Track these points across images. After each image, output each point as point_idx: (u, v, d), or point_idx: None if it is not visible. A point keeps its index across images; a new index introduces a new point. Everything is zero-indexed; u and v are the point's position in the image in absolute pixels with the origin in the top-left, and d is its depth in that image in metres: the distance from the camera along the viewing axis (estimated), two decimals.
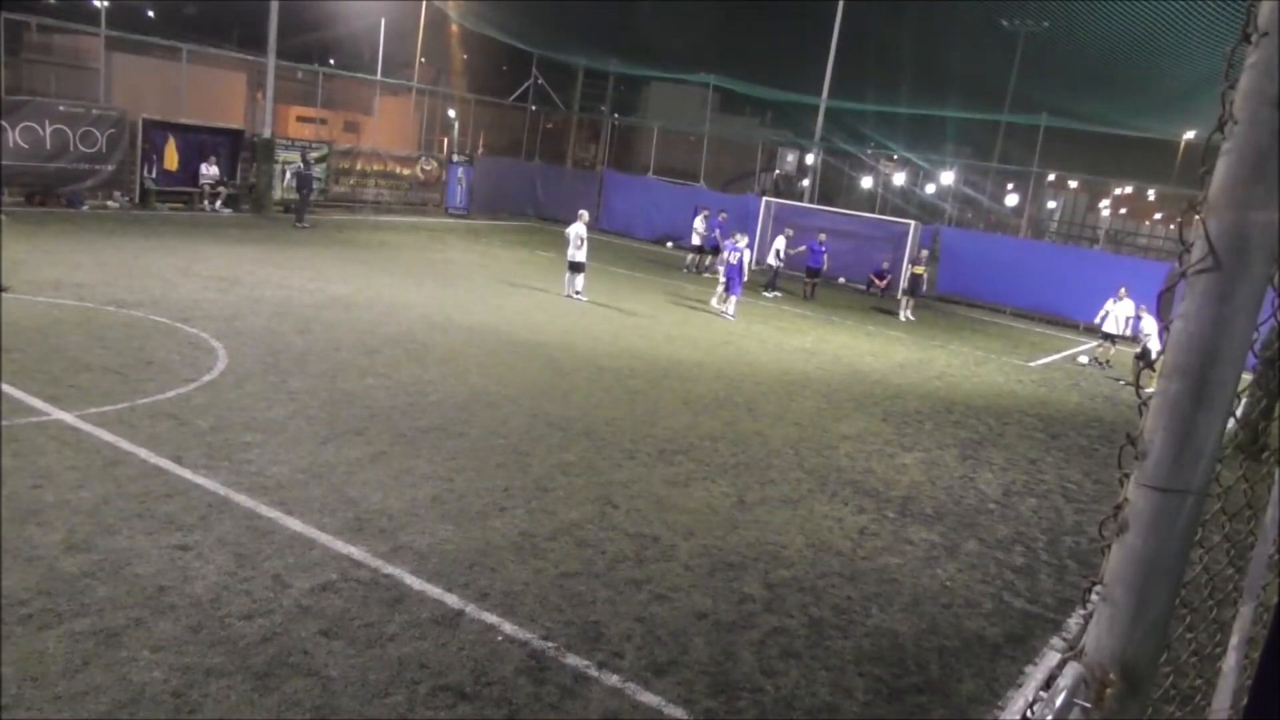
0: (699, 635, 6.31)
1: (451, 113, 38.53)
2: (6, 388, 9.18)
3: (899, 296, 23.57)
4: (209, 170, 25.09)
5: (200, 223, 23.11)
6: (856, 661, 6.29)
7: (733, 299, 19.17)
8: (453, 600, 6.27)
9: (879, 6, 28.72)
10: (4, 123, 21.06)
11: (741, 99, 39.48)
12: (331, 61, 34.71)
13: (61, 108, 22.65)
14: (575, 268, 18.88)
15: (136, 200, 23.69)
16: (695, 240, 26.78)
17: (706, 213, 26.87)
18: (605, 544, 7.56)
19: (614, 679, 5.63)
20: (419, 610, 6.09)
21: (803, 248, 24.07)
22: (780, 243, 24.26)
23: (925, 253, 24.22)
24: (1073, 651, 1.51)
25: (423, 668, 5.45)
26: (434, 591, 6.36)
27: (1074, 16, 26.52)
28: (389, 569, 6.59)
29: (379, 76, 32.49)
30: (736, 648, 6.22)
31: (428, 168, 32.13)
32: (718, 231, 25.68)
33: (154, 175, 24.24)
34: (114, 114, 23.33)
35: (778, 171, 46.75)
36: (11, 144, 21.20)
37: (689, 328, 17.80)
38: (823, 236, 24.86)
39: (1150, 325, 18.00)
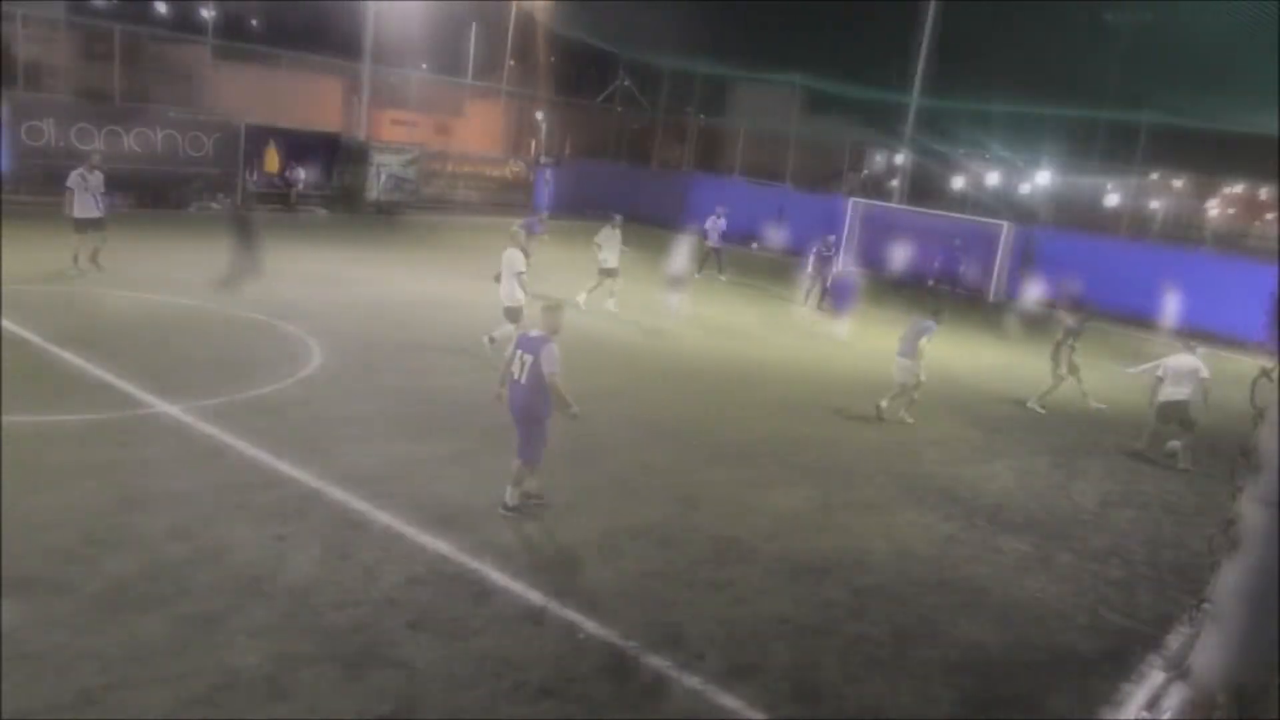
0: (780, 640, 6.24)
1: (539, 115, 39.00)
2: (117, 381, 9.63)
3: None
4: (297, 174, 25.88)
5: (298, 224, 23.87)
6: (942, 672, 6.14)
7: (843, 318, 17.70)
8: (535, 597, 6.34)
9: (973, 4, 28.01)
10: (119, 128, 22.12)
11: (829, 99, 38.93)
12: (424, 66, 35.43)
13: (172, 114, 23.69)
14: (606, 273, 17.36)
15: (239, 202, 24.60)
16: (711, 242, 23.51)
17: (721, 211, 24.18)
18: (686, 545, 7.54)
19: (694, 681, 5.61)
20: (503, 606, 6.17)
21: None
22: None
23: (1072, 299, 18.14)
24: (1179, 671, 1.44)
25: (506, 663, 5.52)
26: (517, 588, 6.44)
27: (1182, 7, 25.39)
28: (474, 564, 6.69)
29: (469, 80, 33.07)
30: (819, 654, 6.14)
31: (515, 169, 32.58)
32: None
33: (255, 178, 25.17)
34: (220, 119, 24.29)
35: (866, 172, 46.02)
36: (126, 148, 22.27)
37: (774, 330, 17.65)
38: (958, 242, 24.15)
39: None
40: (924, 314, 12.72)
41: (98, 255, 14.50)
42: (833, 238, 21.14)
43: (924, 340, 12.11)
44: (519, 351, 7.60)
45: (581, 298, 16.79)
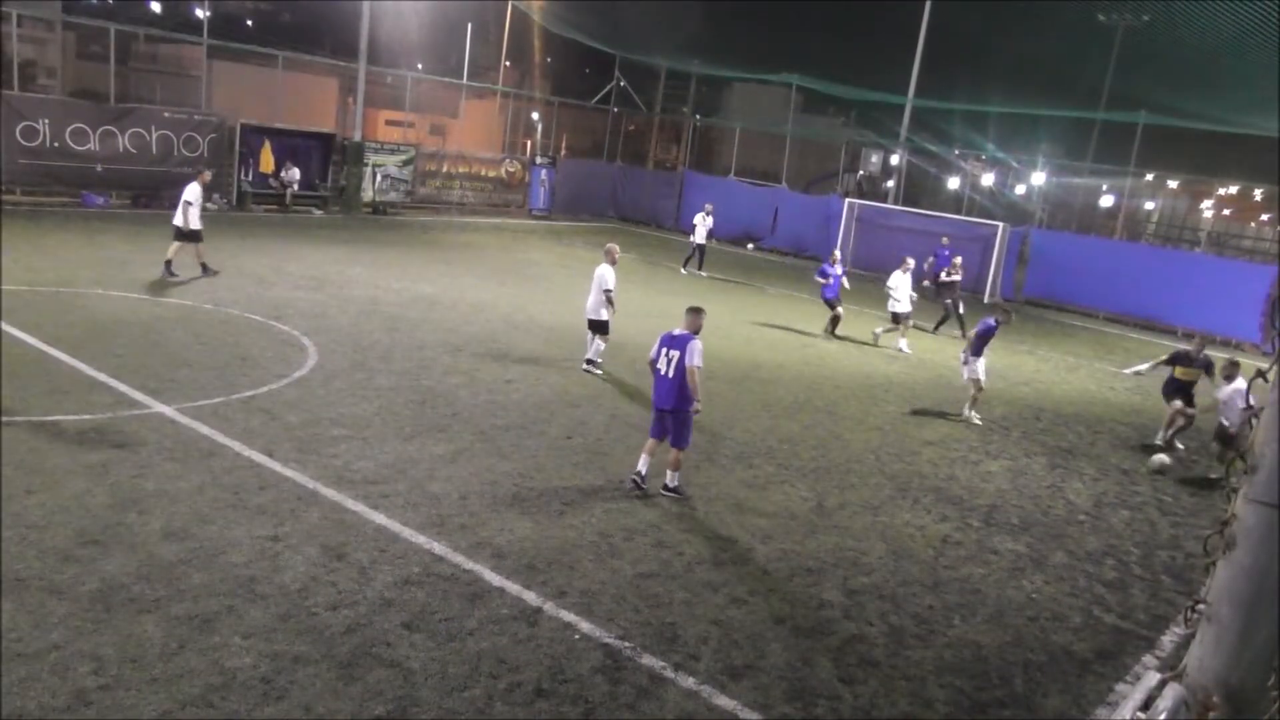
0: (776, 640, 6.24)
1: (535, 115, 39.01)
2: (113, 382, 9.62)
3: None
4: (292, 174, 25.82)
5: (292, 224, 23.83)
6: (937, 672, 6.15)
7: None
8: (531, 597, 6.34)
9: (968, 4, 28.06)
10: (113, 128, 22.10)
11: (825, 99, 39.00)
12: (420, 66, 35.41)
13: (166, 114, 23.65)
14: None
15: (234, 202, 24.57)
16: (696, 239, 24.12)
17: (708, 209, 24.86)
18: (683, 545, 7.54)
19: (690, 681, 5.61)
20: (498, 606, 6.17)
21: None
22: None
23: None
24: (1174, 672, 1.44)
25: (501, 663, 5.52)
26: (513, 588, 6.43)
27: (1176, 9, 25.47)
28: (469, 565, 6.69)
29: (465, 80, 33.07)
30: (814, 654, 6.14)
31: (511, 169, 32.58)
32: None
33: (250, 178, 25.12)
34: (214, 119, 24.25)
35: (861, 172, 46.11)
36: (121, 149, 22.24)
37: (769, 330, 17.67)
38: (945, 240, 24.06)
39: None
40: (988, 314, 13.42)
41: (173, 262, 15.05)
42: (960, 259, 20.38)
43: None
44: (665, 349, 8.20)
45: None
